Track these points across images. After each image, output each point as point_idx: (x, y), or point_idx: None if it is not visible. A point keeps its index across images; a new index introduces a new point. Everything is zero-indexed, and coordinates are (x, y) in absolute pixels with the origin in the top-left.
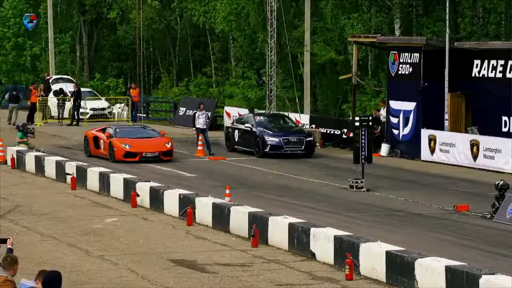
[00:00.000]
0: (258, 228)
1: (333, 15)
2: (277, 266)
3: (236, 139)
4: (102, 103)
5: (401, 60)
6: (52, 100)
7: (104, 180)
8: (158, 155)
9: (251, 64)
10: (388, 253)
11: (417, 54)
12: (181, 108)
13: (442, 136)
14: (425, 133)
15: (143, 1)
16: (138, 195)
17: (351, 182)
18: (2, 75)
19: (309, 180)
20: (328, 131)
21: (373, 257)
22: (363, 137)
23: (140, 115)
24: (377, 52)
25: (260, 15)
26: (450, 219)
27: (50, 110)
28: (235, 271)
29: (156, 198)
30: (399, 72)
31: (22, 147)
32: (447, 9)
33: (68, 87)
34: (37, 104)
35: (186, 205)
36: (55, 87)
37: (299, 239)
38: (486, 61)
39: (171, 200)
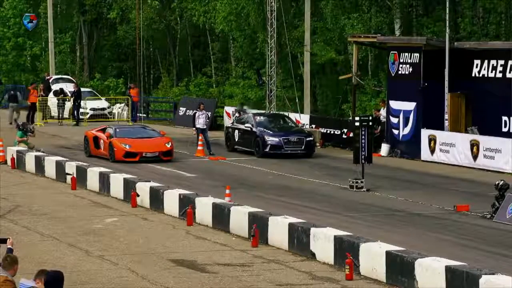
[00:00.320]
0: (258, 228)
1: (333, 15)
2: (277, 266)
3: (236, 139)
4: (102, 103)
5: (401, 60)
6: (52, 100)
7: (104, 180)
8: (158, 155)
9: (251, 64)
10: (388, 253)
11: (417, 54)
12: (181, 108)
13: (442, 136)
14: (425, 133)
15: (143, 1)
16: (138, 195)
17: (351, 182)
18: (2, 75)
19: (309, 180)
20: (328, 131)
21: (373, 257)
22: (363, 137)
23: (140, 115)
24: (377, 52)
25: (260, 15)
26: (450, 219)
27: (50, 110)
28: (235, 271)
29: (156, 198)
30: (399, 72)
31: (22, 147)
32: (447, 9)
33: (68, 87)
34: (37, 104)
35: (186, 205)
36: (55, 87)
37: (299, 239)
38: (486, 61)
39: (171, 200)
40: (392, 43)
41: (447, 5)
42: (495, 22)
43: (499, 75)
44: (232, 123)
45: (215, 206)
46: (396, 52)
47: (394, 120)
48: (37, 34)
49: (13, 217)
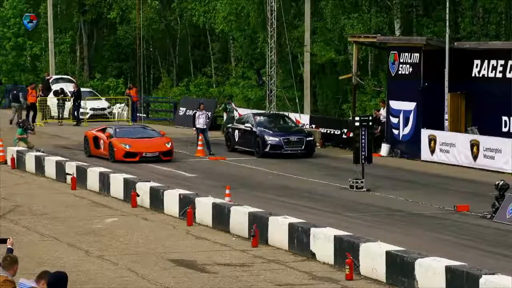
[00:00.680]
0: (258, 228)
1: (333, 15)
2: (277, 266)
3: (236, 139)
4: (102, 103)
5: (401, 60)
6: (52, 100)
7: (104, 180)
8: (158, 155)
9: (251, 64)
10: (388, 253)
11: (417, 54)
12: (181, 108)
13: (442, 136)
14: (425, 133)
15: (143, 1)
16: (138, 195)
17: (351, 182)
18: (2, 75)
19: (309, 180)
20: (328, 131)
21: (373, 257)
22: (363, 137)
23: (140, 115)
24: (377, 52)
25: (260, 15)
26: (450, 219)
27: (50, 110)
28: (235, 271)
29: (156, 198)
30: (399, 72)
31: (22, 147)
32: (447, 9)
33: (68, 87)
34: (36, 104)
35: (186, 205)
36: (55, 87)
37: (299, 239)
38: (486, 61)
39: (171, 200)
40: (392, 43)
41: (447, 5)
42: (495, 22)
43: (499, 75)
44: (232, 123)
45: (215, 206)
46: (396, 52)
47: (394, 120)
48: (37, 34)
49: (13, 217)
